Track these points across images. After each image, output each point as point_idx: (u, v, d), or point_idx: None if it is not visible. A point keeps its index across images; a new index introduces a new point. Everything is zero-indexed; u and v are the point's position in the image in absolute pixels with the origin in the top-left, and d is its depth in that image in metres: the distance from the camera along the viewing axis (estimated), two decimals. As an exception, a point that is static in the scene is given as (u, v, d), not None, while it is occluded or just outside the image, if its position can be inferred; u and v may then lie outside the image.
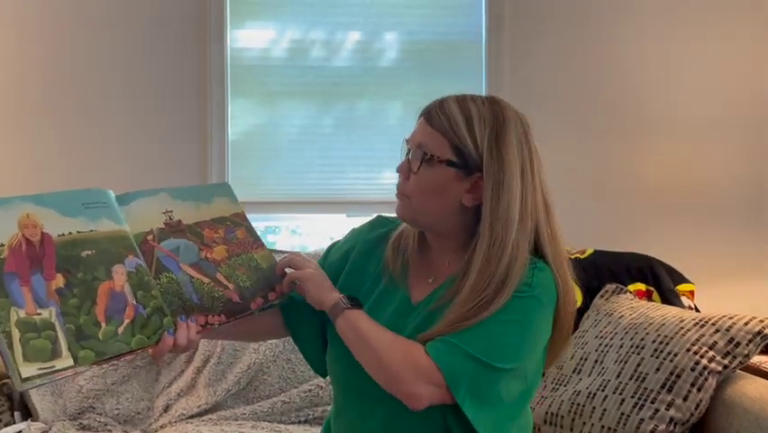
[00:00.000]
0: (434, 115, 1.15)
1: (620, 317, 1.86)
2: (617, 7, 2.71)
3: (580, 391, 1.73)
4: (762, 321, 1.64)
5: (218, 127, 2.63)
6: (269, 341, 2.11)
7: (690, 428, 1.60)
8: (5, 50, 2.58)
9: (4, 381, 2.06)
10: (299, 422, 2.07)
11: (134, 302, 1.06)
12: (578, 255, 2.25)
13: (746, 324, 1.64)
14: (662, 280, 2.21)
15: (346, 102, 2.72)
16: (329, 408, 2.05)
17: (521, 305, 1.09)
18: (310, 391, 2.09)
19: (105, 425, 2.03)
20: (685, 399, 1.58)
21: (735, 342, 1.62)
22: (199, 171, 2.61)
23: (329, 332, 1.23)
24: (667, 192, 2.70)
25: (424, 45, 2.72)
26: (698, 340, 1.64)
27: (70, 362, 0.96)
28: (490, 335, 1.08)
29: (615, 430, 1.61)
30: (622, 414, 1.61)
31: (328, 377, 1.32)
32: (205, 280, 1.16)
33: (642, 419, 1.58)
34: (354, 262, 1.27)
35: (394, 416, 1.13)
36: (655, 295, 2.19)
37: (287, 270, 1.22)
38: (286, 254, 1.25)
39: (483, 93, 2.69)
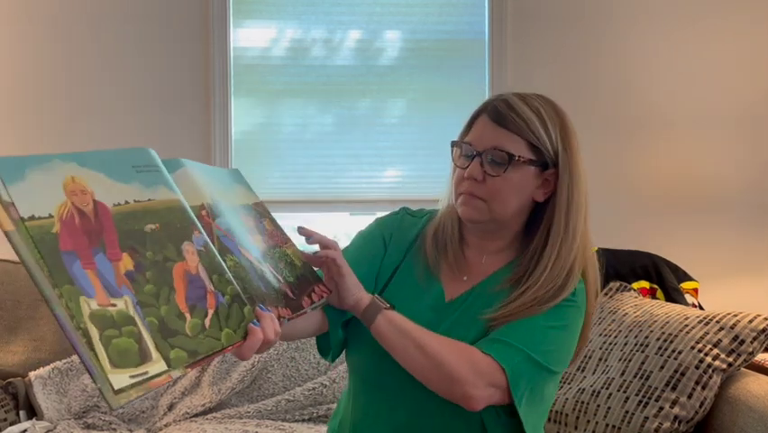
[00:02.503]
0: (506, 117, 1.15)
1: (624, 315, 1.86)
2: (620, 6, 2.70)
3: (584, 389, 1.73)
4: (766, 319, 1.64)
5: (221, 126, 2.63)
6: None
7: (694, 425, 1.60)
8: (5, 49, 2.58)
9: (9, 380, 2.06)
10: (303, 420, 2.07)
11: (212, 288, 0.85)
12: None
13: (751, 321, 1.64)
14: (665, 278, 2.21)
15: (348, 100, 2.72)
16: (333, 406, 2.05)
17: (569, 312, 1.14)
18: (314, 389, 2.09)
19: (110, 424, 2.04)
20: (689, 397, 1.58)
21: (739, 340, 1.62)
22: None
23: (353, 329, 1.20)
24: (671, 190, 2.70)
25: (426, 43, 2.72)
26: (702, 338, 1.64)
27: (163, 366, 0.75)
28: (547, 339, 1.11)
29: (619, 428, 1.61)
30: (626, 412, 1.61)
31: (328, 374, 1.32)
32: (263, 268, 0.96)
33: (646, 417, 1.58)
34: (390, 255, 1.26)
35: (421, 411, 1.14)
36: (659, 293, 2.19)
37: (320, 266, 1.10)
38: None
39: (486, 91, 2.69)
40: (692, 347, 1.62)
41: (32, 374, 2.08)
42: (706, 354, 1.61)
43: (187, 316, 0.80)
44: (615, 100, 2.71)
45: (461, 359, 1.06)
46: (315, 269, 1.09)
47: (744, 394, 1.57)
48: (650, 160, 2.71)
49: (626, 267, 2.22)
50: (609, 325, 1.87)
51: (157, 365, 0.74)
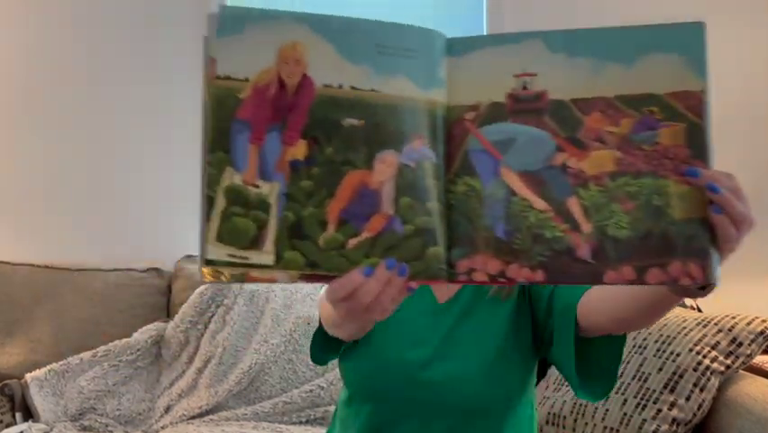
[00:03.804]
0: None
1: (622, 317, 1.86)
2: (620, 6, 2.70)
3: (582, 392, 1.73)
4: (764, 321, 1.64)
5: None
6: (271, 341, 2.11)
7: (692, 428, 1.60)
8: (3, 49, 2.57)
9: (5, 381, 2.06)
10: (301, 423, 2.06)
11: (390, 211, 0.72)
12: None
13: (749, 324, 1.64)
14: (663, 280, 2.20)
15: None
16: (330, 408, 2.05)
17: None
18: (311, 391, 2.08)
19: (107, 426, 2.03)
20: (687, 399, 1.58)
21: (737, 342, 1.62)
22: (199, 171, 2.60)
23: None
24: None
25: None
26: (700, 340, 1.63)
27: (269, 260, 0.69)
28: None
29: (617, 431, 1.61)
30: (624, 414, 1.61)
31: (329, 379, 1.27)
32: (539, 204, 0.73)
33: (644, 420, 1.58)
34: None
35: (456, 429, 1.09)
36: (657, 294, 2.18)
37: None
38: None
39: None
40: (690, 349, 1.62)
41: (28, 376, 2.07)
42: (704, 357, 1.60)
43: (331, 228, 0.71)
44: (613, 101, 2.70)
45: None
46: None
47: (742, 397, 1.57)
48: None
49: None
50: (607, 327, 1.87)
51: (263, 257, 0.69)
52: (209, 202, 0.69)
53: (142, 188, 2.58)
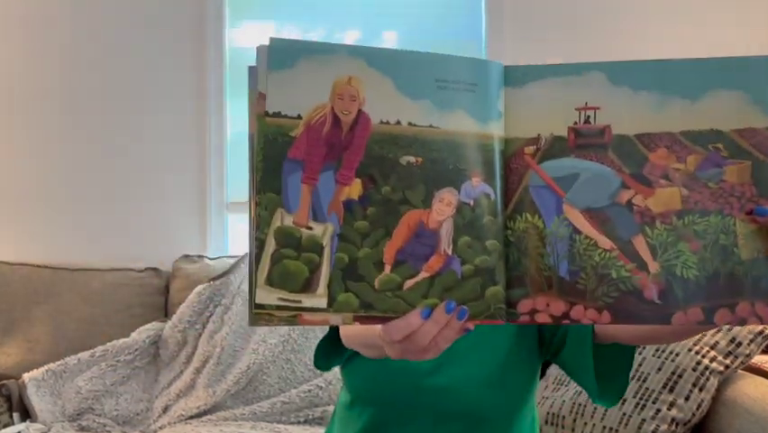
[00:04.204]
0: None
1: (621, 317, 1.86)
2: (619, 6, 2.70)
3: (581, 391, 1.72)
4: (763, 321, 1.64)
5: (217, 126, 2.61)
6: (270, 341, 2.10)
7: (691, 428, 1.60)
8: (2, 49, 2.57)
9: (3, 381, 2.05)
10: (299, 423, 2.06)
11: (449, 250, 0.70)
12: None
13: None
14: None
15: (345, 101, 2.71)
16: (329, 408, 2.04)
17: None
18: (310, 391, 2.08)
19: (105, 426, 2.03)
20: (687, 399, 1.57)
21: (736, 342, 1.61)
22: (197, 171, 2.60)
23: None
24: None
25: (423, 44, 2.71)
26: (699, 340, 1.63)
27: (323, 303, 0.68)
28: None
29: (616, 431, 1.60)
30: (623, 414, 1.61)
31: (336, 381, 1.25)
32: (604, 243, 0.70)
33: (643, 420, 1.58)
34: None
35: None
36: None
37: None
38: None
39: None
40: (689, 349, 1.62)
41: (25, 376, 2.07)
42: (703, 357, 1.60)
43: (387, 268, 0.69)
44: (612, 101, 2.70)
45: None
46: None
47: (741, 396, 1.57)
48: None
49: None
50: (606, 327, 1.87)
51: (316, 300, 0.68)
52: (259, 245, 0.67)
53: (140, 188, 2.58)
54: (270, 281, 0.68)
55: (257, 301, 0.67)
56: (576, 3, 2.71)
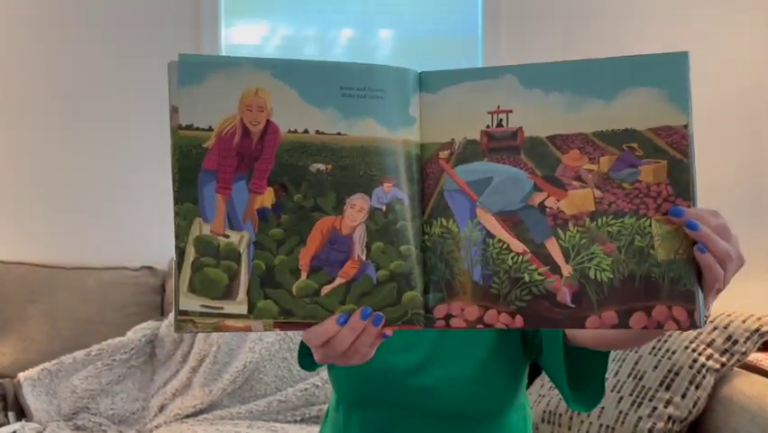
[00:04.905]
0: None
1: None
2: (615, 4, 2.70)
3: (577, 390, 1.73)
4: (759, 319, 1.64)
5: (212, 125, 2.60)
6: (266, 340, 2.10)
7: (687, 425, 1.60)
8: (-3, 47, 2.56)
9: (-3, 381, 2.05)
10: (295, 421, 2.06)
11: (363, 256, 0.71)
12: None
13: (744, 321, 1.64)
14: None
15: (341, 99, 2.71)
16: (325, 407, 2.04)
17: None
18: (306, 389, 2.08)
19: (100, 425, 2.02)
20: (683, 396, 1.58)
21: (732, 339, 1.62)
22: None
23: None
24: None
25: (418, 42, 2.71)
26: (696, 338, 1.63)
27: (243, 310, 0.70)
28: None
29: (613, 428, 1.61)
30: (620, 412, 1.61)
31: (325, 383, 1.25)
32: (516, 246, 0.71)
33: (640, 417, 1.58)
34: None
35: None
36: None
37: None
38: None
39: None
40: (686, 347, 1.62)
41: (21, 375, 2.06)
42: (699, 354, 1.61)
43: (303, 275, 0.71)
44: (608, 99, 2.70)
45: None
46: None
47: (737, 394, 1.57)
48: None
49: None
50: (603, 325, 1.87)
51: (236, 306, 0.70)
52: (180, 253, 0.70)
53: (136, 186, 2.57)
54: (193, 288, 0.70)
55: (180, 308, 0.69)
56: (572, 1, 2.71)
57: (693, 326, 0.68)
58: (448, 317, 0.72)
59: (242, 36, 2.66)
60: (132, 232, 2.55)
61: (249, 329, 0.71)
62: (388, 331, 0.72)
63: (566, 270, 0.70)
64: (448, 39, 2.72)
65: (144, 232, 2.55)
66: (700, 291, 0.69)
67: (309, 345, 0.74)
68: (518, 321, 0.70)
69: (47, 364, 2.10)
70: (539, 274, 0.70)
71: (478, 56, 2.70)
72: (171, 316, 2.17)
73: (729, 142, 2.72)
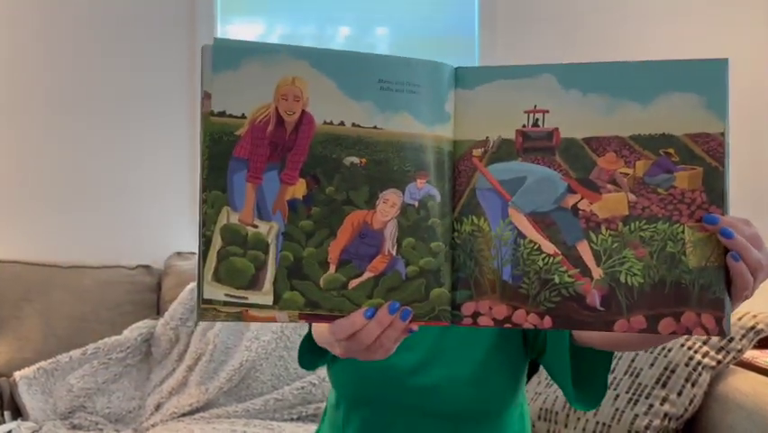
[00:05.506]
0: None
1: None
2: (613, 3, 2.71)
3: (574, 387, 1.73)
4: (755, 316, 1.64)
5: (209, 123, 2.60)
6: (263, 338, 2.10)
7: (684, 423, 1.60)
8: (-8, 45, 2.56)
9: (-7, 380, 2.04)
10: (292, 420, 2.06)
11: (393, 251, 0.71)
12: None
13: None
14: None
15: (338, 98, 2.71)
16: (322, 405, 2.04)
17: None
18: (303, 388, 2.08)
19: (96, 424, 2.02)
20: (679, 394, 1.58)
21: (728, 337, 1.62)
22: (189, 169, 2.59)
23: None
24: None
25: (415, 40, 2.71)
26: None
27: (269, 300, 0.69)
28: None
29: (609, 426, 1.61)
30: (616, 409, 1.61)
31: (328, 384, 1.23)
32: (548, 247, 0.71)
33: (636, 415, 1.58)
34: None
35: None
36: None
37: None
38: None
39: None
40: (682, 345, 1.63)
41: (17, 374, 2.06)
42: (695, 352, 1.61)
43: (331, 267, 0.70)
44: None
45: None
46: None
47: (733, 391, 1.57)
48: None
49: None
50: (599, 322, 1.87)
51: (262, 297, 0.69)
52: (206, 241, 0.69)
53: (132, 185, 2.57)
54: (217, 278, 0.69)
55: (204, 297, 0.69)
56: (569, 0, 2.71)
57: (721, 333, 0.68)
58: (476, 315, 0.72)
59: (239, 34, 2.66)
60: (128, 231, 2.55)
61: (273, 320, 0.70)
62: (414, 326, 0.72)
63: (597, 273, 0.70)
64: (445, 38, 2.72)
65: (140, 230, 2.55)
66: (729, 299, 0.69)
67: (334, 338, 0.73)
68: (547, 322, 0.70)
69: (43, 363, 2.09)
70: (569, 276, 0.70)
71: (474, 55, 2.70)
72: (167, 314, 2.17)
73: (730, 141, 2.72)
